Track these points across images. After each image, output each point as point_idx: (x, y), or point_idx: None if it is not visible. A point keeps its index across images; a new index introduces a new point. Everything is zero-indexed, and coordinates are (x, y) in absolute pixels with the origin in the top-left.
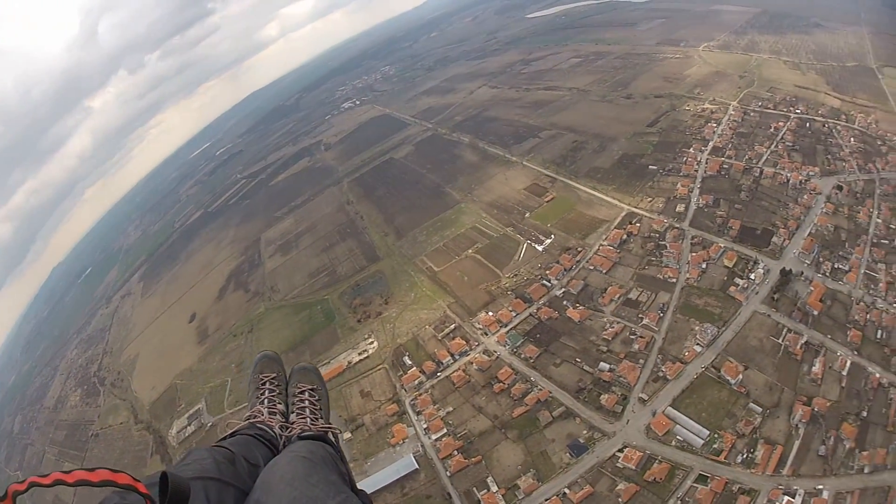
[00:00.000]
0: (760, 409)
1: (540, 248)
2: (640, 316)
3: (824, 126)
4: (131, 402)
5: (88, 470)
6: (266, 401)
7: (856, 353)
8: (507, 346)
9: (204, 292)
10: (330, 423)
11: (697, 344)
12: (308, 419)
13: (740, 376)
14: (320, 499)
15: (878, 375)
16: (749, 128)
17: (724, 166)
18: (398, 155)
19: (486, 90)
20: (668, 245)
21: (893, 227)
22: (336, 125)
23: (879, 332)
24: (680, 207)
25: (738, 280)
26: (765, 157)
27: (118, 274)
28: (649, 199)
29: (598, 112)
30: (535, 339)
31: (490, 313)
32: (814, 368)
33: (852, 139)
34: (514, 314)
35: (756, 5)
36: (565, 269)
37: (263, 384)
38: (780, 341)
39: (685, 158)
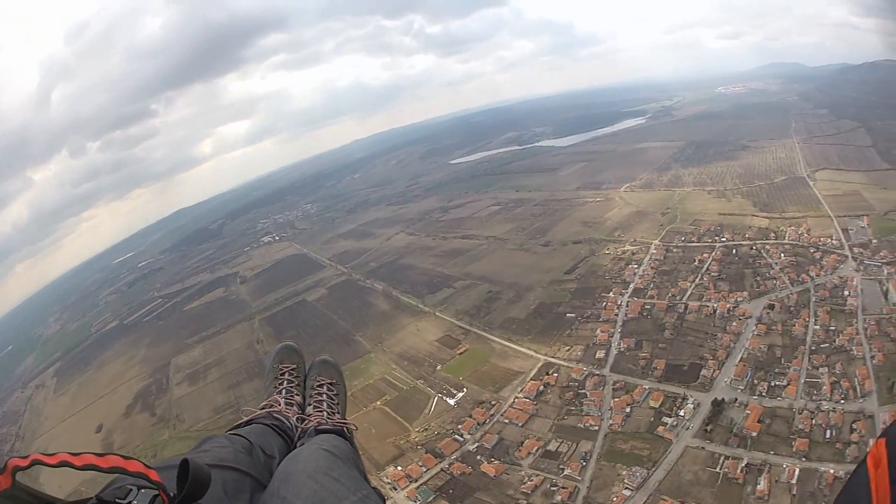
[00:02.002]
0: None
1: (452, 401)
2: (560, 467)
3: (752, 249)
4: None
5: (98, 455)
6: (284, 391)
7: (804, 459)
8: (418, 503)
9: (112, 405)
10: (346, 419)
11: (626, 488)
12: (325, 413)
13: None
14: (342, 494)
15: (831, 472)
16: (672, 264)
17: (646, 307)
18: (311, 297)
19: (403, 237)
20: (588, 393)
21: (833, 328)
22: (254, 258)
23: (828, 431)
24: (600, 354)
25: (666, 419)
26: (689, 292)
27: (35, 361)
28: (567, 347)
29: (515, 261)
30: (448, 494)
31: (399, 468)
32: (759, 487)
33: (782, 255)
34: (425, 469)
35: (681, 139)
36: (479, 423)
37: (282, 374)
38: (717, 470)
39: (605, 303)
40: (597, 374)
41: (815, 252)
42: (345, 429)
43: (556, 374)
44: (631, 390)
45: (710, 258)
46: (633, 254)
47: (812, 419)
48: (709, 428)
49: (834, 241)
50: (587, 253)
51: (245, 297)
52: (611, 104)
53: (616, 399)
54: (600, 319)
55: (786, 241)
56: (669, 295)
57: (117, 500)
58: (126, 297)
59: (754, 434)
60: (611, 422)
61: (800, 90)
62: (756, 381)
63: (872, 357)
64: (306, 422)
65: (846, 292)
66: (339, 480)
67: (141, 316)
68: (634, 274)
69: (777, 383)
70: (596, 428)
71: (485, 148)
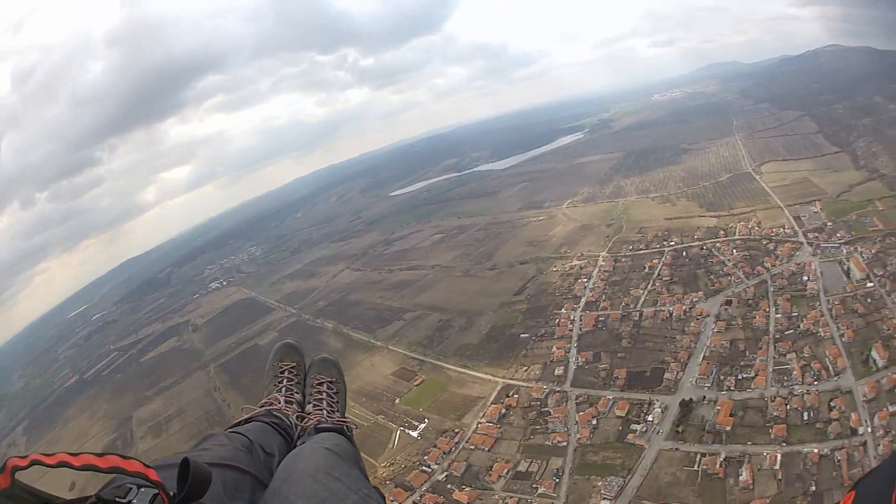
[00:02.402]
0: None
1: (414, 433)
2: (534, 486)
3: (702, 249)
4: None
5: (97, 455)
6: (284, 389)
7: (784, 444)
8: None
9: None
10: (346, 417)
11: (604, 499)
12: (325, 411)
13: None
14: (343, 492)
15: (815, 451)
16: (622, 274)
17: (601, 319)
18: (263, 341)
19: (349, 273)
20: (551, 411)
21: (795, 314)
22: (204, 305)
23: (805, 414)
24: (559, 370)
25: (634, 426)
26: (642, 299)
27: (4, 419)
28: (525, 368)
29: (463, 287)
30: None
31: None
32: (741, 478)
33: (735, 251)
34: (397, 503)
35: (620, 149)
36: (444, 453)
37: (282, 372)
38: (695, 468)
39: (558, 320)
40: (558, 391)
41: (768, 243)
42: (345, 427)
43: (516, 396)
44: (595, 403)
45: (661, 263)
46: (581, 268)
47: (786, 405)
48: (680, 429)
49: (787, 230)
50: (535, 272)
51: (198, 345)
52: (548, 122)
53: (581, 413)
54: (555, 336)
55: (737, 237)
56: (623, 304)
57: (117, 499)
58: (83, 351)
59: (728, 428)
60: (578, 436)
61: (738, 88)
62: (722, 377)
63: (841, 335)
64: (306, 420)
65: (805, 277)
66: (341, 479)
67: (100, 370)
68: (585, 288)
69: (745, 376)
70: (564, 444)
71: (424, 177)
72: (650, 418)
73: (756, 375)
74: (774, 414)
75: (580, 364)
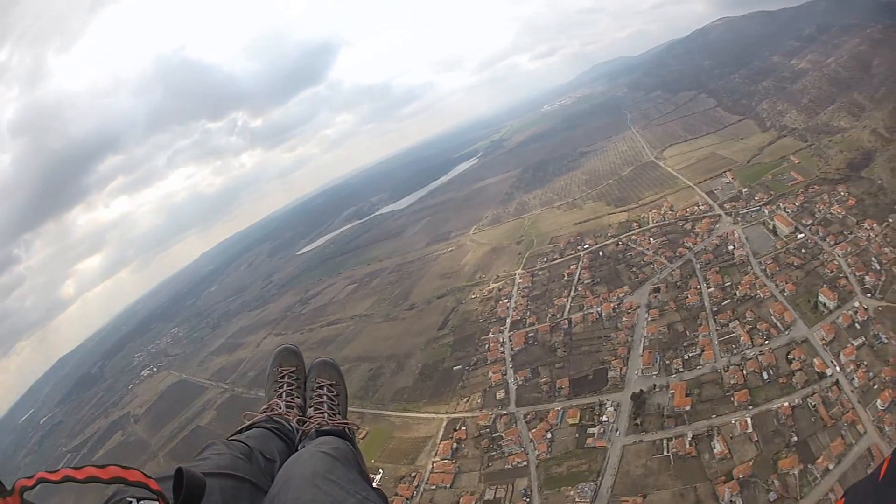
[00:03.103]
0: None
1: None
2: None
3: (618, 245)
4: None
5: (99, 467)
6: (284, 394)
7: (750, 407)
8: None
9: None
10: (347, 420)
11: None
12: (326, 414)
13: None
14: (341, 496)
15: (786, 404)
16: (541, 287)
17: (530, 335)
18: (203, 421)
19: (271, 339)
20: (503, 434)
21: (728, 284)
22: (140, 394)
23: (764, 373)
24: (500, 394)
25: (591, 430)
26: (568, 307)
27: None
28: (465, 399)
29: (386, 332)
30: None
31: None
32: (716, 450)
33: (651, 239)
34: None
35: (517, 166)
36: (407, 499)
37: (282, 377)
38: (665, 454)
39: (487, 345)
40: (504, 414)
41: (685, 224)
42: (346, 429)
43: (464, 428)
44: (544, 417)
45: (579, 268)
46: (500, 290)
47: (742, 370)
48: (638, 421)
49: (702, 207)
50: (454, 303)
51: (143, 436)
52: (442, 154)
53: (533, 430)
54: (488, 362)
55: (651, 226)
56: (549, 316)
57: None
58: (40, 456)
59: (688, 408)
60: (537, 452)
61: (628, 82)
62: (668, 362)
63: (782, 291)
64: (307, 424)
65: (731, 247)
66: (339, 483)
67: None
68: (507, 308)
69: (691, 355)
70: (524, 463)
71: (328, 230)
72: (605, 419)
73: (703, 352)
74: (732, 382)
75: (520, 383)
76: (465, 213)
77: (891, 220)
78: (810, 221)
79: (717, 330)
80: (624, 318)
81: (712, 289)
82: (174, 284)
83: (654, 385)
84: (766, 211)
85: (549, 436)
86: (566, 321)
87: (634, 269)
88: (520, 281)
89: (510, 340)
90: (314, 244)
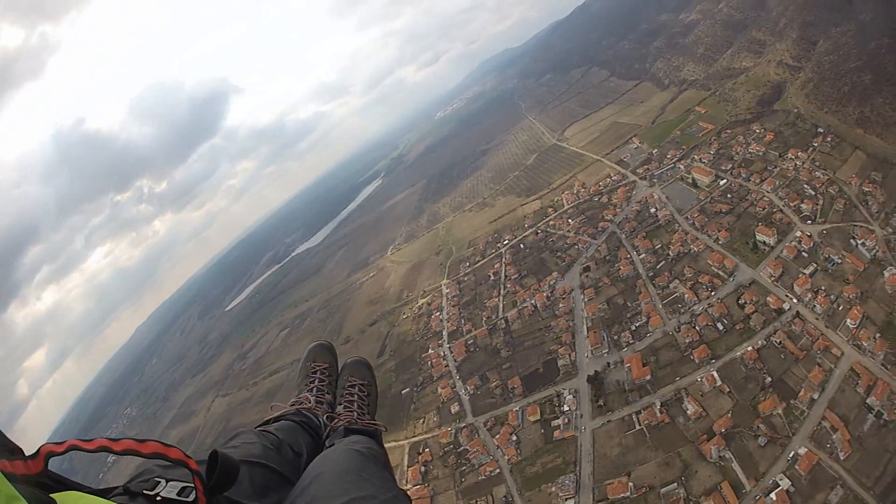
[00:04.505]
0: (674, 485)
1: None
2: None
3: (537, 234)
4: None
5: (138, 441)
6: (315, 389)
7: (713, 361)
8: None
9: None
10: (375, 421)
11: (567, 499)
12: (356, 413)
13: (630, 485)
14: (371, 494)
15: (749, 349)
16: (470, 293)
17: (469, 343)
18: None
19: (220, 401)
20: (468, 447)
21: (658, 246)
22: (109, 481)
23: (718, 324)
24: (454, 408)
25: (555, 423)
26: (501, 306)
27: None
28: (421, 420)
29: None
30: None
31: None
32: (689, 411)
33: (570, 221)
34: None
35: (420, 178)
36: None
37: (314, 372)
38: (638, 427)
39: (430, 362)
40: (464, 426)
41: (601, 198)
42: (374, 430)
43: (427, 450)
44: (504, 421)
45: (503, 265)
46: (429, 304)
47: (695, 327)
48: (601, 403)
49: (614, 178)
50: (388, 327)
51: None
52: (345, 181)
53: (497, 436)
54: (435, 378)
55: (567, 207)
56: (485, 319)
57: (144, 492)
58: None
59: (648, 377)
60: (507, 457)
61: (516, 72)
62: (616, 337)
63: (716, 240)
64: (336, 420)
65: (653, 209)
66: (370, 481)
67: None
68: (441, 320)
69: (638, 324)
70: (497, 471)
71: (250, 281)
72: (566, 408)
73: (649, 318)
74: (687, 342)
75: (472, 393)
76: (379, 236)
77: (816, 144)
78: (730, 166)
79: (658, 294)
80: (560, 305)
81: (643, 255)
82: (117, 365)
83: (608, 363)
84: (682, 166)
85: (514, 438)
86: (503, 321)
87: (559, 253)
88: (447, 291)
89: (451, 352)
90: (240, 297)
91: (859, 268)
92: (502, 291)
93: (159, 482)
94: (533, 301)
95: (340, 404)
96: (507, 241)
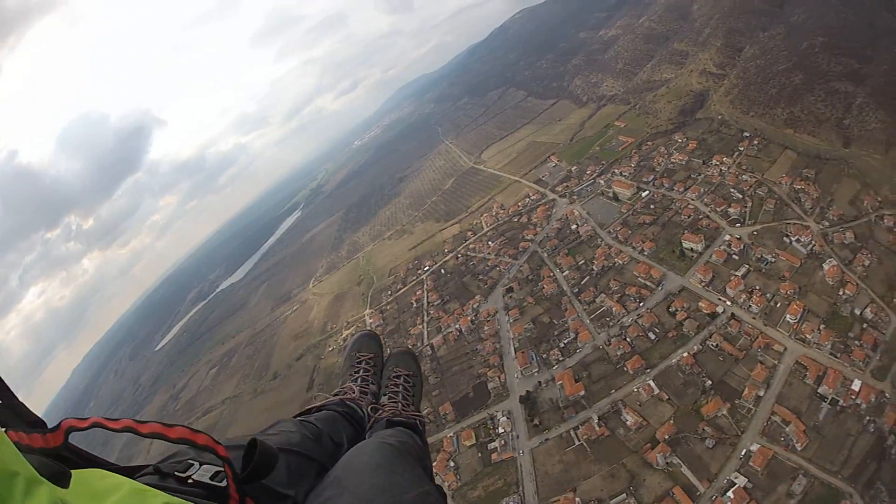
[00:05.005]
0: (623, 496)
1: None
2: None
3: (458, 259)
4: None
5: (166, 425)
6: (359, 379)
7: (648, 370)
8: None
9: None
10: (419, 412)
11: None
12: (399, 404)
13: (577, 500)
14: (403, 488)
15: (685, 355)
16: (393, 321)
17: None
18: None
19: (158, 444)
20: None
21: (582, 262)
22: None
23: (650, 333)
24: None
25: (492, 445)
26: (426, 332)
27: None
28: None
29: (260, 408)
30: None
31: None
32: (628, 422)
33: (490, 243)
34: None
35: (339, 209)
36: None
37: (359, 362)
38: (578, 442)
39: None
40: None
41: (520, 219)
42: (417, 422)
43: None
44: (440, 447)
45: (425, 291)
46: (353, 335)
47: (625, 339)
48: (537, 422)
49: (533, 197)
50: (314, 361)
51: None
52: (265, 214)
53: (434, 463)
54: None
55: (486, 230)
56: (409, 345)
57: (176, 473)
58: None
59: (582, 393)
60: (447, 484)
61: (433, 97)
62: (545, 356)
63: (641, 251)
64: (379, 412)
65: (573, 226)
66: (401, 475)
67: None
68: None
69: (566, 341)
70: None
71: (177, 319)
72: (501, 430)
73: (577, 334)
74: (619, 354)
75: None
76: (300, 269)
77: (742, 149)
78: (652, 177)
79: (584, 309)
80: (486, 328)
81: (567, 272)
82: (56, 412)
83: (539, 382)
84: (602, 181)
85: (452, 464)
86: (428, 347)
87: (481, 276)
88: (370, 321)
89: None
90: (169, 336)
91: (795, 264)
92: (426, 318)
93: (192, 464)
94: (458, 326)
95: (385, 395)
96: (427, 268)
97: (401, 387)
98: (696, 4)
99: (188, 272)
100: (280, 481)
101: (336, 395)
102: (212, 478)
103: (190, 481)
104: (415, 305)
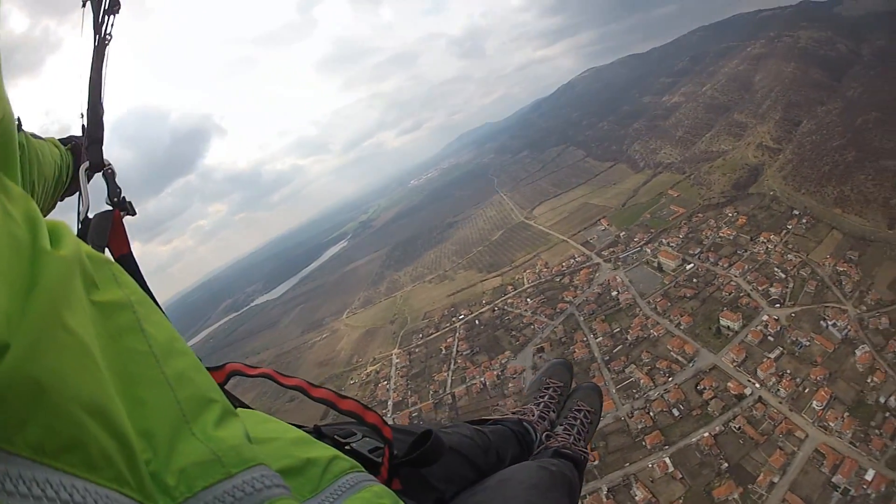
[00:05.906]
0: None
1: None
2: None
3: (494, 311)
4: None
5: (338, 395)
6: (542, 404)
7: (666, 447)
8: None
9: None
10: (587, 450)
11: None
12: (572, 437)
13: None
14: None
15: (706, 435)
16: (420, 365)
17: (414, 415)
18: None
19: None
20: None
21: (617, 330)
22: None
23: (675, 410)
24: None
25: None
26: (449, 381)
27: None
28: None
29: None
30: None
31: None
32: (637, 498)
33: (529, 300)
34: None
35: (385, 245)
36: None
37: (547, 388)
38: None
39: None
40: None
41: (562, 279)
42: (582, 458)
43: None
44: None
45: (456, 340)
46: (377, 372)
47: (648, 413)
48: None
49: (578, 259)
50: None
51: None
52: (312, 239)
53: None
54: None
55: (526, 286)
56: (431, 393)
57: (336, 437)
58: None
59: (596, 463)
60: None
61: (494, 147)
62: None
63: (678, 325)
64: (551, 439)
65: (614, 293)
66: (551, 501)
67: None
68: (388, 390)
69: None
70: None
71: (206, 325)
72: None
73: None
74: (639, 427)
75: None
76: (337, 298)
77: (790, 227)
78: (699, 250)
79: (612, 378)
80: (510, 385)
81: (600, 338)
82: None
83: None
84: (648, 250)
85: None
86: (449, 396)
87: (514, 332)
88: (397, 361)
89: (394, 423)
90: (194, 340)
91: (829, 349)
92: (452, 366)
93: (355, 434)
94: (482, 378)
95: (561, 425)
96: (462, 316)
97: (579, 421)
98: (759, 75)
99: (226, 281)
100: (435, 474)
101: (515, 413)
102: (370, 451)
103: (347, 448)
104: (444, 352)
